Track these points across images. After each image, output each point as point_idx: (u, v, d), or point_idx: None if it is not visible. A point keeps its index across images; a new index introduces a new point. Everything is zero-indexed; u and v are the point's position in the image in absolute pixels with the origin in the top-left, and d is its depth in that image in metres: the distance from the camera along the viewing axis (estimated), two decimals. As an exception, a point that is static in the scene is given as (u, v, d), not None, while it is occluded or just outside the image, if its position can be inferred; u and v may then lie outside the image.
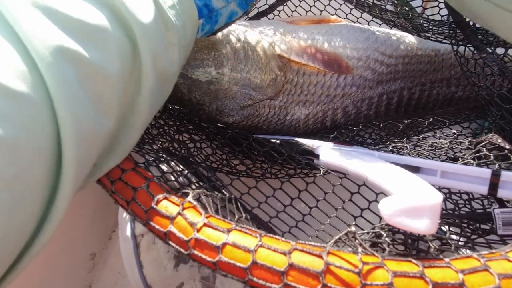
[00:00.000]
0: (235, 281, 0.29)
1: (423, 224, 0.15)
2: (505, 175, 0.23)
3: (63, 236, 0.38)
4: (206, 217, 0.17)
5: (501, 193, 0.23)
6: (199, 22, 0.24)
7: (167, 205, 0.18)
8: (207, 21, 0.25)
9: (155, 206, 0.17)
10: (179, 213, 0.17)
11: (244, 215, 0.22)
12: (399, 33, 0.41)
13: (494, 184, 0.23)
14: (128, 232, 0.29)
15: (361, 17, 0.46)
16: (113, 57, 0.17)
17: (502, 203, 0.25)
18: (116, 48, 0.17)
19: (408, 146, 0.35)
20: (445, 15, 0.37)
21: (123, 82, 0.17)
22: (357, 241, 0.18)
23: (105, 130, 0.17)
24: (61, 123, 0.14)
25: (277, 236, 0.16)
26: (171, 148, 0.28)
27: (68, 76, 0.15)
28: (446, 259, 0.15)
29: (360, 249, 0.15)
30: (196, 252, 0.16)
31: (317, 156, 0.29)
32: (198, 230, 0.16)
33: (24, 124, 0.13)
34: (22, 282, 0.36)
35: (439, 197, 0.15)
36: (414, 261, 0.15)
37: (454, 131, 0.37)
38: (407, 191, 0.16)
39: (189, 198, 0.18)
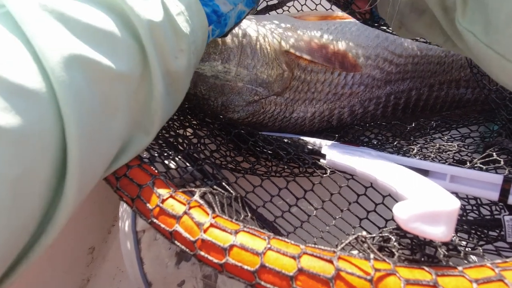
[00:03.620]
0: (236, 280, 0.29)
1: (440, 231, 0.14)
2: (517, 181, 0.22)
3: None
4: (213, 217, 0.16)
5: (512, 199, 0.23)
6: (208, 28, 0.24)
7: (173, 204, 0.17)
8: (217, 26, 0.25)
9: (160, 205, 0.17)
10: (185, 213, 0.16)
11: (249, 214, 0.22)
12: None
13: (505, 190, 0.23)
14: (129, 228, 0.29)
15: (370, 14, 0.45)
16: (121, 58, 0.17)
17: (512, 209, 0.24)
18: (124, 50, 0.17)
19: (415, 148, 0.35)
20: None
21: (132, 84, 0.17)
22: (366, 245, 0.17)
23: (113, 132, 0.17)
24: (66, 120, 0.14)
25: (286, 239, 0.16)
26: (176, 143, 0.27)
27: (75, 76, 0.15)
28: (459, 268, 0.15)
29: (372, 255, 0.15)
30: (202, 253, 0.16)
31: (324, 156, 0.29)
32: (205, 231, 0.16)
33: (30, 121, 0.13)
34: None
35: (456, 203, 0.15)
36: (426, 268, 0.15)
37: (462, 133, 0.36)
38: (423, 195, 0.16)
39: (196, 197, 0.17)
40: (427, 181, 0.17)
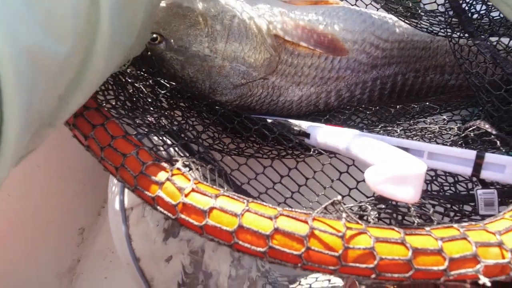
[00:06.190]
0: (223, 255, 0.30)
1: (407, 193, 0.15)
2: (489, 156, 0.23)
3: (51, 209, 0.38)
4: (195, 183, 0.17)
5: (484, 174, 0.24)
6: None
7: (156, 171, 0.18)
8: None
9: (144, 172, 0.17)
10: (167, 179, 0.17)
11: (233, 188, 0.23)
12: (396, 18, 0.40)
13: (478, 165, 0.24)
14: (117, 205, 0.29)
15: None
16: None
17: (485, 184, 0.25)
18: None
19: (398, 130, 0.36)
20: (441, 4, 0.37)
21: (81, 2, 0.16)
22: (341, 209, 0.18)
23: (59, 55, 0.15)
24: None
25: (264, 203, 0.16)
26: (163, 123, 0.28)
27: None
28: (427, 228, 0.16)
29: (344, 215, 0.15)
30: (183, 216, 0.16)
31: (308, 135, 0.29)
32: (186, 195, 0.16)
33: None
34: (9, 253, 0.36)
35: (423, 166, 0.16)
36: (396, 228, 0.16)
37: (444, 117, 0.37)
38: (393, 161, 0.17)
39: (178, 164, 0.18)
40: (399, 150, 0.18)
